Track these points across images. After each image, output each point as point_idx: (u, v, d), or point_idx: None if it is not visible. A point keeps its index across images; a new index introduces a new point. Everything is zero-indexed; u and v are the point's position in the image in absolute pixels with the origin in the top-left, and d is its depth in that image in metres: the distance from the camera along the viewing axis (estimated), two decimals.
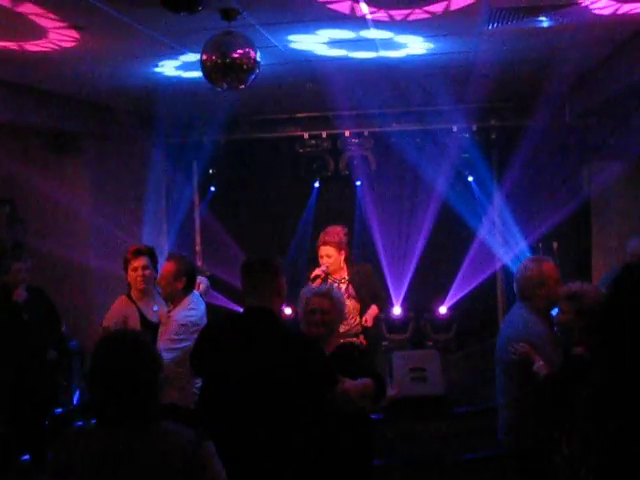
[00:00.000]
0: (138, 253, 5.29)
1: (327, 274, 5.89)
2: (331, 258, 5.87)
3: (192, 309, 4.89)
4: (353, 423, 3.70)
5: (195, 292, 5.06)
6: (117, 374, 2.47)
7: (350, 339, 5.79)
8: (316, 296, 3.94)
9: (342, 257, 5.92)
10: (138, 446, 2.45)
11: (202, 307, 5.01)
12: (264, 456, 3.37)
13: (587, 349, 3.57)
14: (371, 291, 5.90)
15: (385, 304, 6.11)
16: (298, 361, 3.43)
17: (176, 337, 4.70)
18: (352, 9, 4.44)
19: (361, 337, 5.82)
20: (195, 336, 3.91)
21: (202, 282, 5.47)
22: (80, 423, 5.80)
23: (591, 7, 4.59)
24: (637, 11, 4.73)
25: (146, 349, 2.57)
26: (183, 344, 4.60)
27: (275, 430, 3.37)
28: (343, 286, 5.86)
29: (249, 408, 3.40)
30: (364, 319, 5.78)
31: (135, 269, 5.24)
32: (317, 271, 5.87)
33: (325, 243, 5.89)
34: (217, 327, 3.84)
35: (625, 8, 4.66)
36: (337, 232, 5.94)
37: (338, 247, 5.88)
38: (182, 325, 4.75)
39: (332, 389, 3.50)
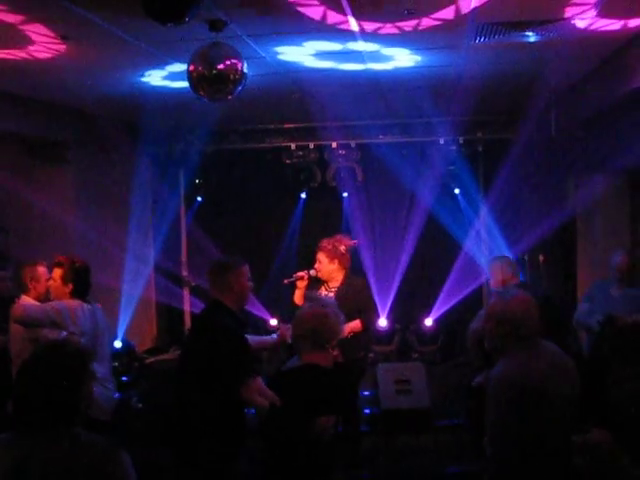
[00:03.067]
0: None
1: (315, 278, 5.93)
2: (321, 264, 5.92)
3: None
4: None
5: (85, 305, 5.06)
6: (44, 379, 2.47)
7: None
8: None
9: (334, 266, 5.92)
10: (57, 455, 2.43)
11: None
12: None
13: None
14: (358, 306, 5.83)
15: (370, 322, 6.04)
16: (210, 348, 3.94)
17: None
18: (324, 16, 4.39)
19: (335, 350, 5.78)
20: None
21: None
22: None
23: (573, 22, 4.62)
24: (611, 27, 4.78)
25: (75, 356, 2.58)
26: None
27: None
28: (331, 294, 5.88)
29: (181, 381, 4.15)
30: None
31: None
32: (301, 273, 5.95)
33: (319, 249, 5.95)
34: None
35: (599, 23, 4.70)
36: (335, 241, 5.98)
37: (330, 255, 5.90)
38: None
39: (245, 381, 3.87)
